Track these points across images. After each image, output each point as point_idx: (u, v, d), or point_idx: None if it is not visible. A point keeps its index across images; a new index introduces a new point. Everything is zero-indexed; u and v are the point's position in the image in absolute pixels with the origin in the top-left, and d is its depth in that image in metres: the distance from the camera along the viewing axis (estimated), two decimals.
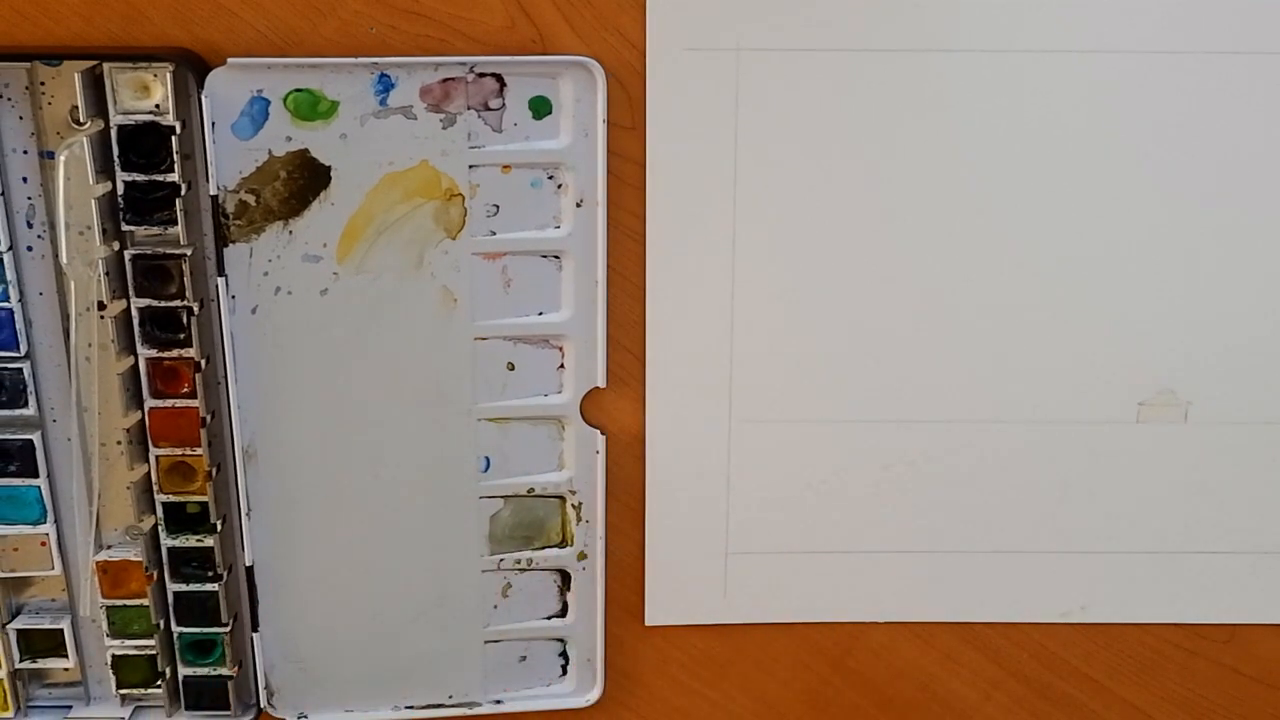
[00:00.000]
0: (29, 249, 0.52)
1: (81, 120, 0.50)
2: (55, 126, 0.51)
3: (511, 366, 0.56)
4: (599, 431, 0.57)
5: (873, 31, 0.52)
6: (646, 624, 0.60)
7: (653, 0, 0.52)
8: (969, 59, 0.53)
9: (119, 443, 0.54)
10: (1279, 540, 0.59)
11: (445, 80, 0.52)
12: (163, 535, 0.55)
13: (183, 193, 0.51)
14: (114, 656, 0.57)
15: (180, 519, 0.55)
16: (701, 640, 0.61)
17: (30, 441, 0.54)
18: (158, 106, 0.50)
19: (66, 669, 0.58)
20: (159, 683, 0.57)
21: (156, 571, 0.56)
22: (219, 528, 0.55)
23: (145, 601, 0.56)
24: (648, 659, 0.61)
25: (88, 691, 0.58)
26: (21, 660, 0.57)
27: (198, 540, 0.55)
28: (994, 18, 0.52)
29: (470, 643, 0.59)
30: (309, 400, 0.54)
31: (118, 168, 0.50)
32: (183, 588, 0.56)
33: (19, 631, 0.56)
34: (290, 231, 0.52)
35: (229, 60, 0.50)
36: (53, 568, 0.56)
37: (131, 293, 0.52)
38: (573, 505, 0.58)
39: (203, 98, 0.50)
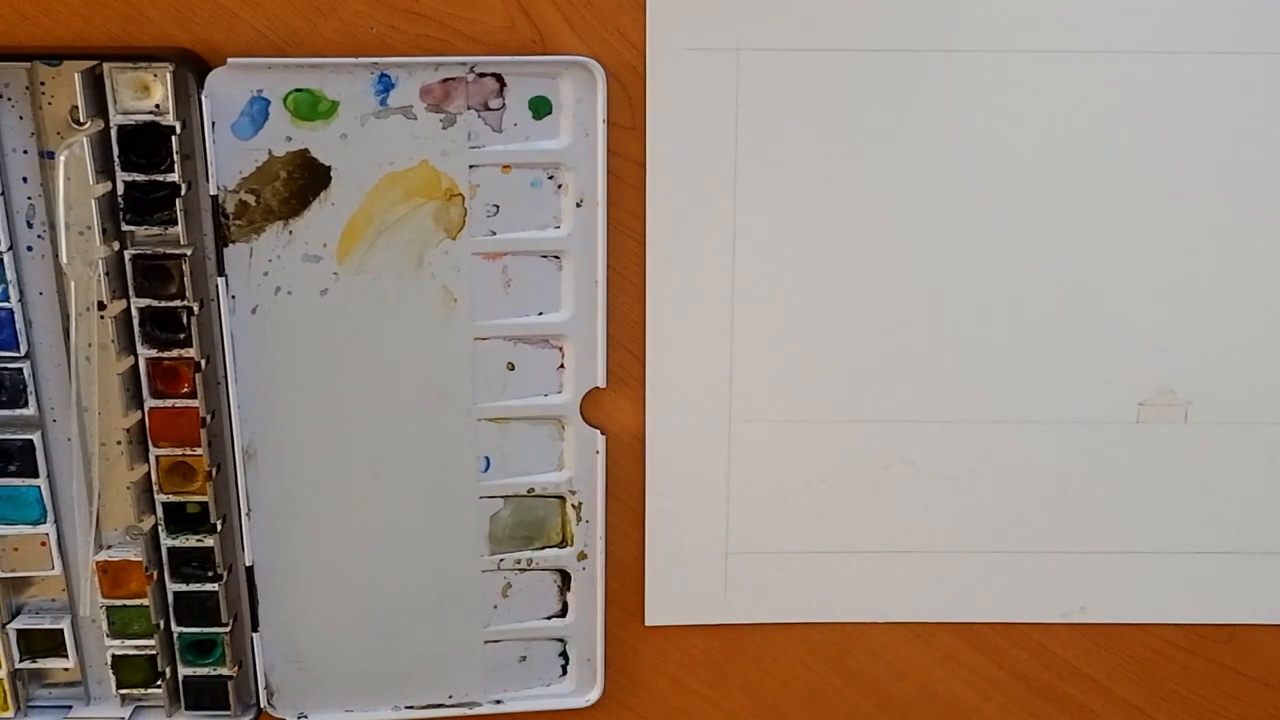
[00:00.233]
0: (29, 249, 0.52)
1: (81, 120, 0.50)
2: (55, 126, 0.51)
3: (511, 366, 0.56)
4: (599, 431, 0.57)
5: (873, 31, 0.52)
6: (646, 624, 0.60)
7: (653, 0, 0.52)
8: (969, 59, 0.53)
9: (119, 443, 0.54)
10: (1279, 540, 0.59)
11: (445, 80, 0.52)
12: (163, 535, 0.55)
13: (183, 193, 0.51)
14: (114, 656, 0.57)
15: (180, 519, 0.55)
16: (701, 640, 0.61)
17: (30, 441, 0.54)
18: (158, 106, 0.50)
19: (66, 669, 0.58)
20: (159, 683, 0.57)
21: (156, 571, 0.56)
22: (219, 528, 0.55)
23: (145, 601, 0.56)
24: (648, 659, 0.61)
25: (88, 691, 0.58)
26: (21, 660, 0.57)
27: (198, 540, 0.55)
28: (994, 18, 0.52)
29: (470, 643, 0.59)
30: (309, 400, 0.54)
31: (118, 168, 0.50)
32: (183, 588, 0.56)
33: (19, 631, 0.56)
34: (290, 231, 0.52)
35: (229, 60, 0.50)
36: (53, 568, 0.56)
37: (131, 293, 0.52)
38: (573, 505, 0.58)
39: (203, 98, 0.50)
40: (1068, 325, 0.56)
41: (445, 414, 0.55)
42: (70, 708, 0.58)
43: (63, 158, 0.50)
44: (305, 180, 0.52)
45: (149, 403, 0.53)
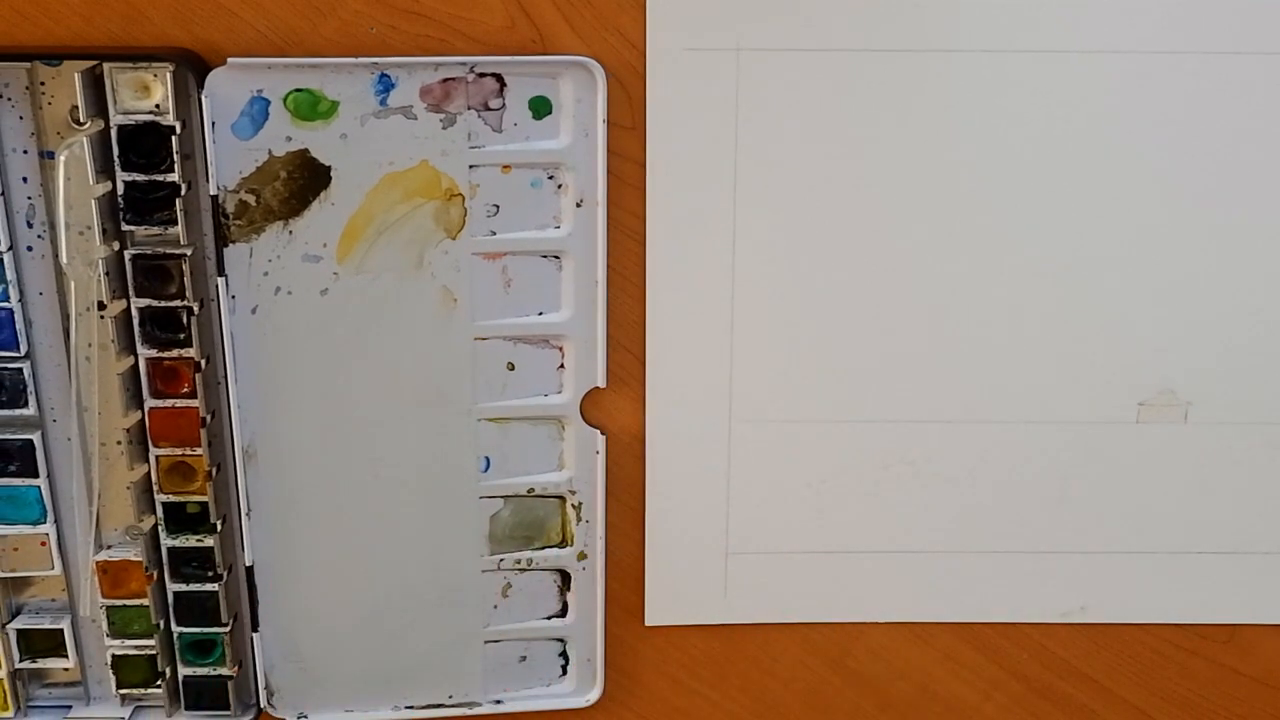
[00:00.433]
0: (29, 249, 0.52)
1: (81, 120, 0.50)
2: (55, 126, 0.51)
3: (511, 366, 0.56)
4: (599, 431, 0.57)
5: (873, 31, 0.52)
6: (646, 624, 0.60)
7: (653, 0, 0.52)
8: (969, 59, 0.53)
9: (119, 443, 0.54)
10: (1279, 540, 0.59)
11: (445, 80, 0.52)
12: (163, 535, 0.55)
13: (183, 193, 0.51)
14: (114, 656, 0.57)
15: (180, 519, 0.55)
16: (701, 640, 0.61)
17: (30, 441, 0.54)
18: (158, 106, 0.50)
19: (66, 669, 0.58)
20: (159, 683, 0.57)
21: (156, 571, 0.56)
22: (219, 528, 0.55)
23: (145, 601, 0.56)
24: (648, 659, 0.61)
25: (88, 691, 0.58)
26: (21, 660, 0.57)
27: (198, 540, 0.55)
28: (994, 18, 0.52)
29: (470, 643, 0.59)
30: (309, 400, 0.54)
31: (118, 168, 0.50)
32: (183, 588, 0.56)
33: (19, 631, 0.56)
34: (290, 231, 0.52)
35: (229, 60, 0.50)
36: (53, 568, 0.56)
37: (131, 293, 0.52)
38: (573, 505, 0.58)
39: (203, 98, 0.50)
40: (1068, 325, 0.56)
41: (445, 414, 0.55)
42: (70, 708, 0.58)
43: (63, 158, 0.50)
44: (305, 180, 0.52)
45: (149, 403, 0.53)
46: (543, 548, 0.58)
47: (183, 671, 0.57)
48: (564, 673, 0.60)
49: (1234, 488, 0.58)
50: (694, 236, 0.54)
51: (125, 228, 0.51)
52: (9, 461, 0.54)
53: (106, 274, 0.52)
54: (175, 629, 0.57)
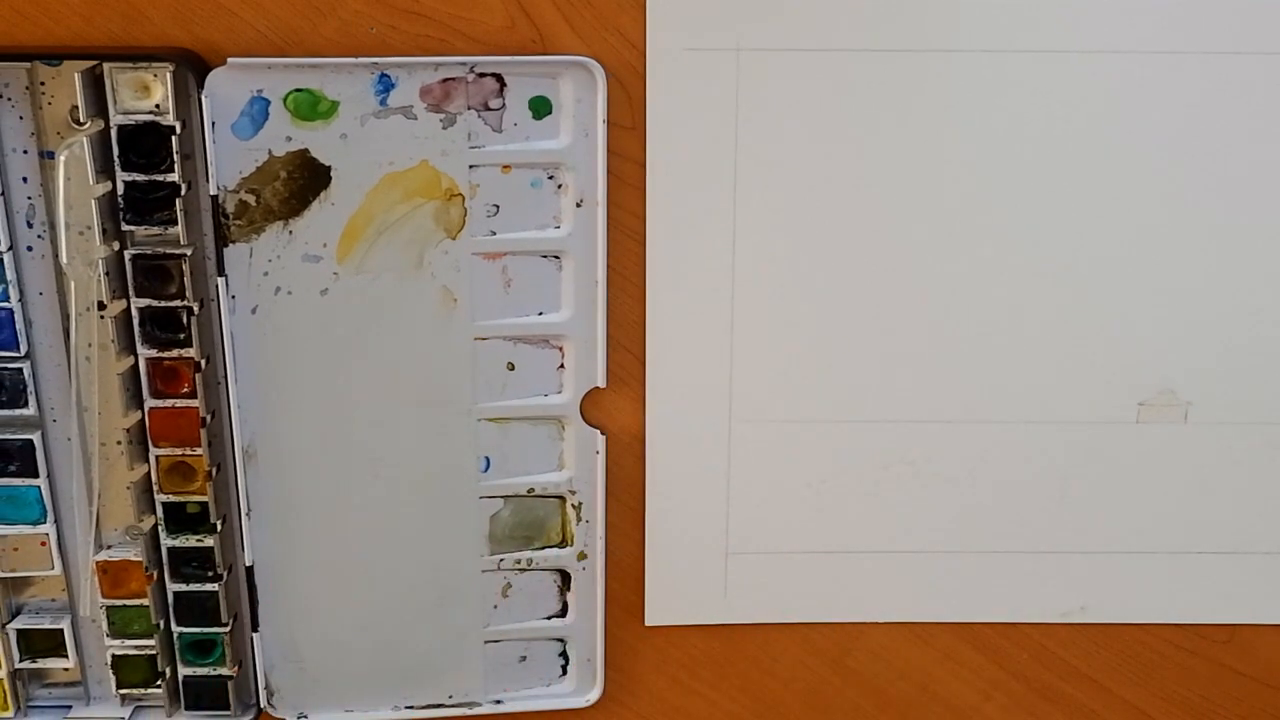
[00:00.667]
0: (29, 249, 0.52)
1: (81, 120, 0.50)
2: (55, 126, 0.51)
3: (511, 366, 0.56)
4: (599, 431, 0.57)
5: (873, 31, 0.52)
6: (646, 624, 0.60)
7: (653, 0, 0.52)
8: (969, 59, 0.53)
9: (119, 443, 0.54)
10: (1279, 540, 0.59)
11: (445, 80, 0.52)
12: (163, 535, 0.55)
13: (183, 193, 0.51)
14: (114, 656, 0.57)
15: (180, 519, 0.55)
16: (701, 640, 0.61)
17: (30, 441, 0.54)
18: (158, 106, 0.50)
19: (66, 669, 0.58)
20: (159, 683, 0.57)
21: (156, 571, 0.56)
22: (219, 528, 0.55)
23: (145, 601, 0.56)
24: (648, 659, 0.61)
25: (88, 691, 0.58)
26: (21, 660, 0.57)
27: (198, 540, 0.55)
28: (994, 18, 0.52)
29: (470, 643, 0.59)
30: (309, 400, 0.54)
31: (118, 168, 0.50)
32: (183, 588, 0.56)
33: (19, 631, 0.56)
34: (290, 231, 0.52)
35: (229, 60, 0.50)
36: (53, 568, 0.56)
37: (131, 293, 0.52)
38: (573, 505, 0.58)
39: (203, 98, 0.50)
40: (1068, 325, 0.56)
41: (445, 414, 0.55)
42: (70, 708, 0.58)
43: (63, 158, 0.50)
44: (305, 180, 0.52)
45: (149, 403, 0.53)
46: (543, 548, 0.58)
47: (183, 671, 0.57)
48: (564, 673, 0.60)
49: (1234, 488, 0.58)
50: (694, 236, 0.54)
51: (125, 228, 0.51)
52: (9, 461, 0.54)
53: (106, 274, 0.52)
54: (175, 629, 0.57)
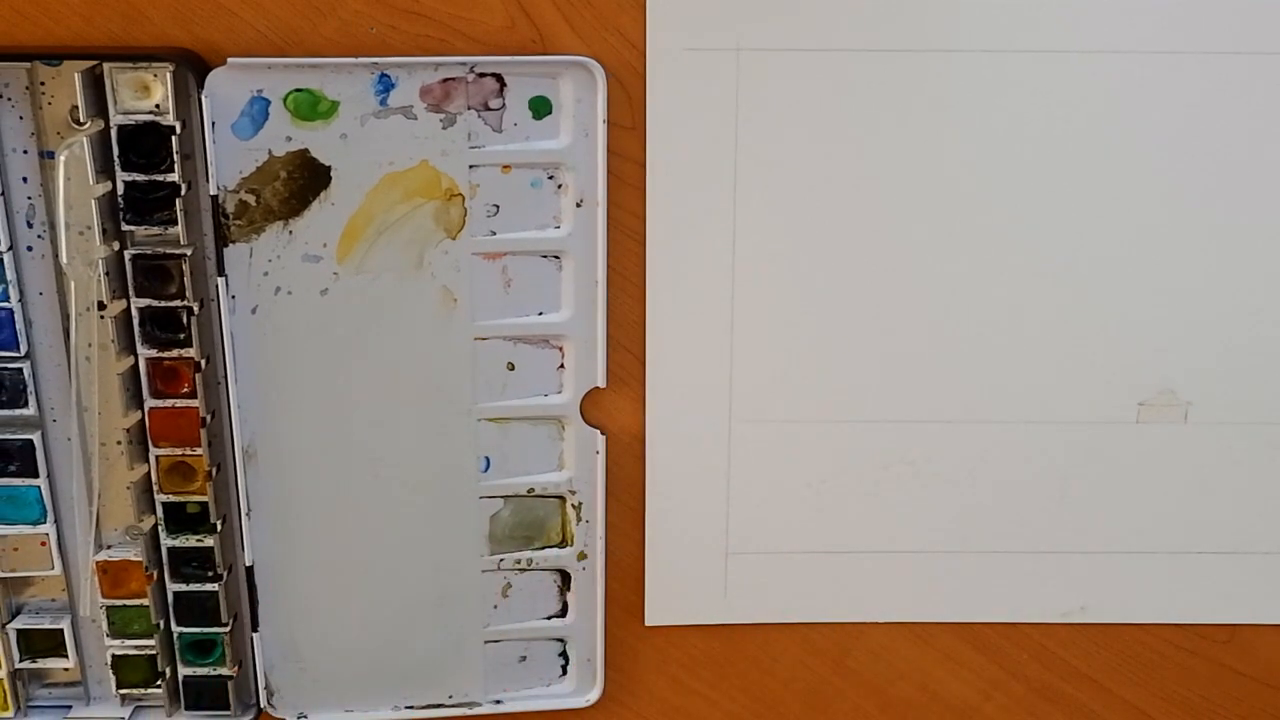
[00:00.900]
0: (29, 249, 0.52)
1: (81, 120, 0.50)
2: (55, 126, 0.51)
3: (511, 366, 0.56)
4: (599, 431, 0.57)
5: (873, 31, 0.52)
6: (646, 624, 0.60)
7: (653, 0, 0.52)
8: (969, 59, 0.53)
9: (119, 443, 0.54)
10: (1279, 540, 0.59)
11: (445, 80, 0.52)
12: (163, 535, 0.55)
13: (183, 193, 0.51)
14: (114, 656, 0.57)
15: (180, 519, 0.55)
16: (701, 640, 0.61)
17: (30, 441, 0.54)
18: (158, 106, 0.50)
19: (66, 669, 0.58)
20: (159, 683, 0.57)
21: (156, 571, 0.56)
22: (219, 528, 0.55)
23: (145, 601, 0.56)
24: (648, 659, 0.61)
25: (88, 691, 0.58)
26: (21, 660, 0.57)
27: (198, 540, 0.55)
28: (994, 18, 0.52)
29: (470, 643, 0.59)
30: (309, 400, 0.54)
31: (118, 168, 0.50)
32: (183, 588, 0.56)
33: (19, 631, 0.56)
34: (290, 231, 0.52)
35: (229, 60, 0.50)
36: (53, 568, 0.56)
37: (131, 293, 0.52)
38: (573, 505, 0.58)
39: (203, 98, 0.50)
40: (1068, 325, 0.56)
41: (445, 414, 0.55)
42: (70, 708, 0.58)
43: (63, 158, 0.50)
44: (305, 180, 0.52)
45: (149, 403, 0.53)
46: (543, 548, 0.58)
47: (183, 671, 0.57)
48: (564, 673, 0.60)
49: (1234, 488, 0.58)
50: (694, 236, 0.54)
51: (125, 228, 0.51)
52: (9, 461, 0.54)
53: (106, 274, 0.52)
54: (175, 629, 0.57)
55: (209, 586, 0.56)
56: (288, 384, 0.54)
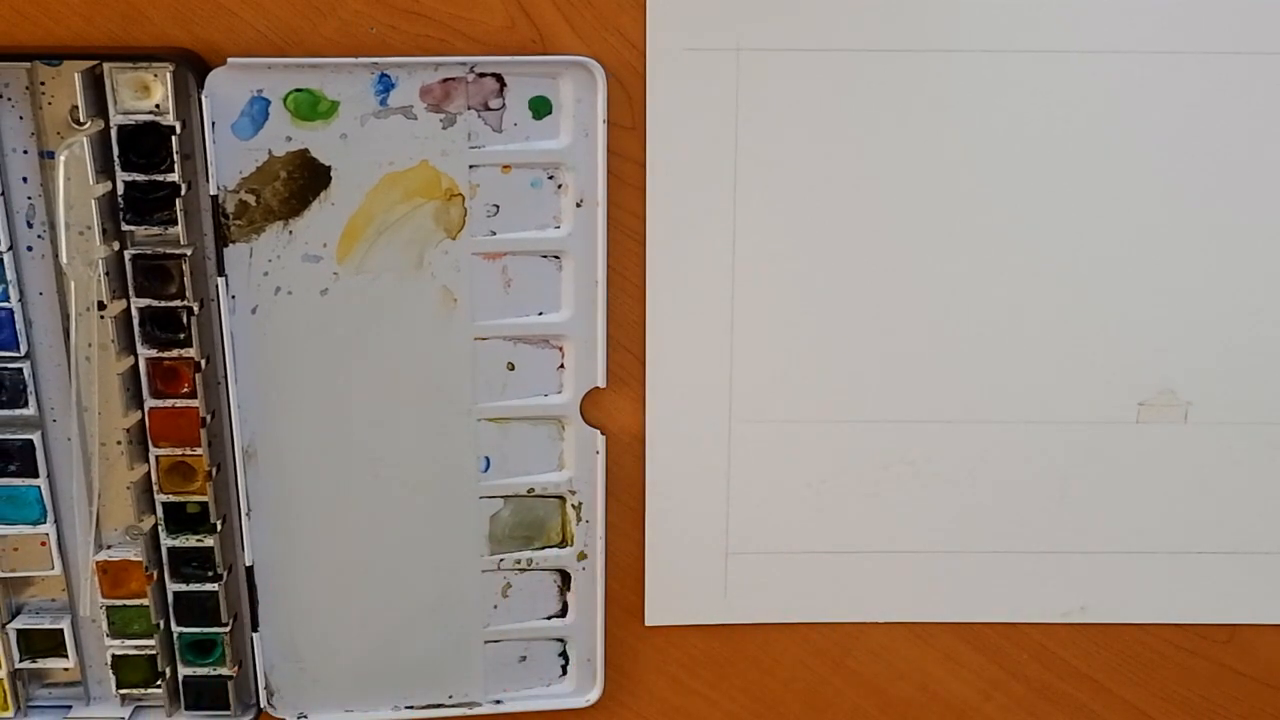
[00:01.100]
0: (29, 249, 0.52)
1: (81, 120, 0.50)
2: (55, 126, 0.51)
3: (511, 366, 0.56)
4: (599, 431, 0.57)
5: (873, 31, 0.52)
6: (646, 624, 0.60)
7: (653, 0, 0.52)
8: (969, 59, 0.53)
9: (119, 443, 0.54)
10: (1279, 540, 0.59)
11: (445, 80, 0.52)
12: (163, 535, 0.55)
13: (183, 193, 0.51)
14: (114, 656, 0.57)
15: (180, 519, 0.55)
16: (701, 640, 0.61)
17: (30, 441, 0.54)
18: (158, 106, 0.50)
19: (66, 669, 0.58)
20: (159, 683, 0.57)
21: (156, 571, 0.56)
22: (219, 528, 0.55)
23: (145, 601, 0.56)
24: (648, 659, 0.61)
25: (88, 691, 0.58)
26: (21, 660, 0.57)
27: (198, 540, 0.55)
28: (994, 18, 0.52)
29: (470, 643, 0.59)
30: (309, 400, 0.54)
31: (118, 168, 0.50)
32: (183, 588, 0.56)
33: (19, 631, 0.56)
34: (290, 231, 0.52)
35: (229, 60, 0.50)
36: (53, 568, 0.56)
37: (131, 293, 0.52)
38: (573, 505, 0.58)
39: (203, 98, 0.50)
40: (1068, 325, 0.56)
41: (445, 414, 0.55)
42: (70, 708, 0.58)
43: (63, 158, 0.50)
44: (305, 180, 0.52)
45: (149, 403, 0.53)
46: (543, 548, 0.58)
47: (183, 671, 0.57)
48: (564, 673, 0.60)
49: (1234, 488, 0.58)
50: (694, 236, 0.54)
51: (125, 228, 0.51)
52: (9, 461, 0.54)
53: (106, 274, 0.52)
54: (175, 629, 0.57)
55: (209, 586, 0.56)
56: (288, 384, 0.54)
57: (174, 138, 0.50)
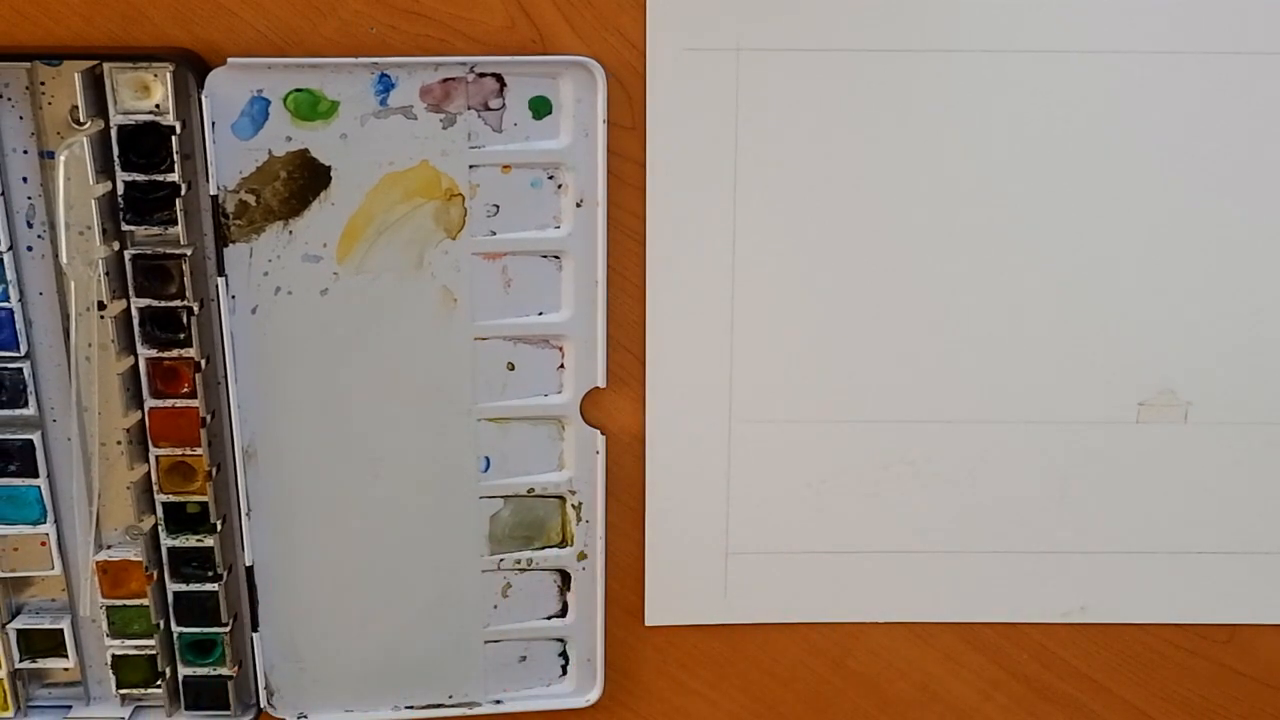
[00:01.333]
0: (29, 249, 0.52)
1: (81, 120, 0.50)
2: (55, 126, 0.51)
3: (511, 366, 0.56)
4: (599, 431, 0.57)
5: (873, 31, 0.52)
6: (646, 624, 0.60)
7: (653, 0, 0.52)
8: (969, 59, 0.53)
9: (119, 443, 0.54)
10: (1279, 540, 0.59)
11: (445, 80, 0.52)
12: (163, 535, 0.55)
13: (183, 193, 0.51)
14: (114, 656, 0.57)
15: (180, 519, 0.55)
16: (701, 640, 0.61)
17: (30, 441, 0.54)
18: (158, 106, 0.50)
19: (66, 669, 0.58)
20: (159, 683, 0.57)
21: (156, 571, 0.56)
22: (219, 528, 0.55)
23: (145, 601, 0.56)
24: (648, 659, 0.61)
25: (88, 691, 0.58)
26: (21, 660, 0.57)
27: (198, 540, 0.55)
28: (994, 18, 0.52)
29: (470, 643, 0.59)
30: (309, 400, 0.54)
31: (118, 168, 0.50)
32: (183, 588, 0.56)
33: (19, 631, 0.56)
34: (290, 231, 0.52)
35: (229, 60, 0.50)
36: (53, 568, 0.56)
37: (131, 293, 0.52)
38: (573, 505, 0.58)
39: (203, 98, 0.50)
40: (1068, 325, 0.56)
41: (445, 414, 0.55)
42: (70, 708, 0.58)
43: (63, 158, 0.50)
44: (305, 180, 0.52)
45: (149, 403, 0.53)
46: (543, 548, 0.58)
47: (183, 671, 0.57)
48: (564, 673, 0.60)
49: (1234, 488, 0.58)
50: (694, 236, 0.54)
51: (125, 228, 0.51)
52: (9, 461, 0.54)
53: (106, 274, 0.52)
54: (175, 629, 0.57)
55: (209, 586, 0.56)
56: (288, 384, 0.54)
57: (174, 138, 0.50)
